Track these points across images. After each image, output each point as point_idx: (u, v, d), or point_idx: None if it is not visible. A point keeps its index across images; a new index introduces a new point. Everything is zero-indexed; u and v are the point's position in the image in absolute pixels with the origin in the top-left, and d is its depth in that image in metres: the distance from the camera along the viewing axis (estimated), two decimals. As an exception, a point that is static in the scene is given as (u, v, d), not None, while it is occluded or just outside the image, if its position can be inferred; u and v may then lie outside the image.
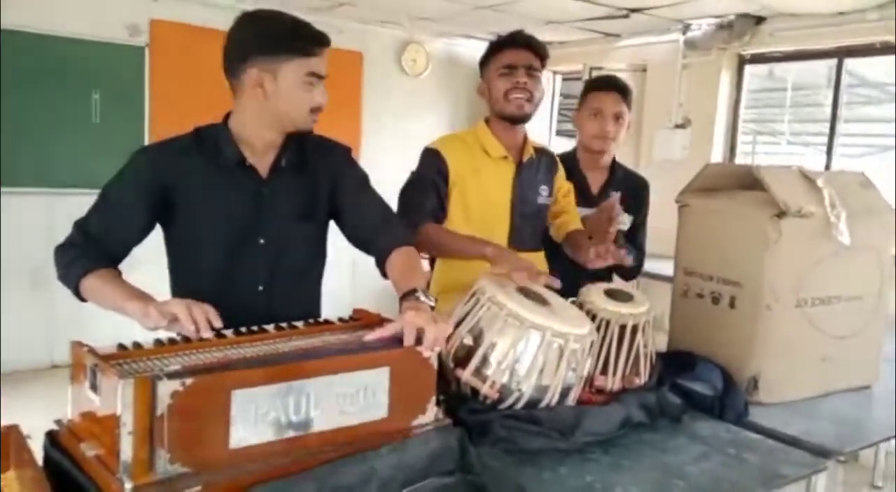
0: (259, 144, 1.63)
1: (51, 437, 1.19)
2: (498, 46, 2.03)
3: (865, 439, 1.74)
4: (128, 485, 0.98)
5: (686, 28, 4.70)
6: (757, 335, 1.82)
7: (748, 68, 4.73)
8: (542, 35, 5.17)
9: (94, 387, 1.08)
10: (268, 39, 1.53)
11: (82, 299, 1.50)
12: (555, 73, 6.03)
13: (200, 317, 1.27)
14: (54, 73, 4.27)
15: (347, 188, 1.72)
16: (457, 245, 1.93)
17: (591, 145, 2.39)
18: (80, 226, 1.56)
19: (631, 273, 2.47)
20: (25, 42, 4.16)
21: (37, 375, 4.27)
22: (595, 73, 5.32)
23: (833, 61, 4.34)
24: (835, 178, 1.94)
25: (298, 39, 1.54)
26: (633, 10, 4.38)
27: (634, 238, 2.46)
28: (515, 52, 2.00)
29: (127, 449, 0.99)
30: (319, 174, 1.70)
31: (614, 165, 2.48)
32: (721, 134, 4.77)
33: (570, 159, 2.48)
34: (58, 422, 1.20)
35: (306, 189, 1.69)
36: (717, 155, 4.74)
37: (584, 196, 2.39)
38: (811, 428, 1.68)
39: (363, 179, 1.76)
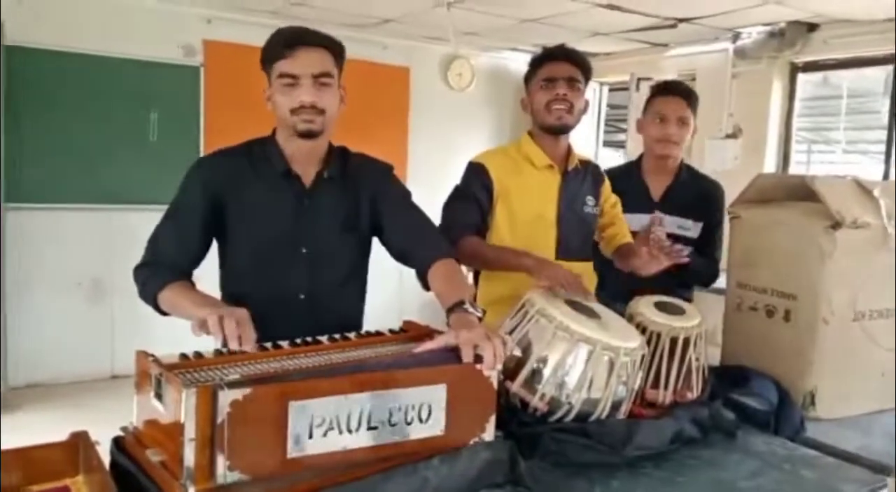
0: (297, 155, 1.69)
1: (117, 443, 1.24)
2: (539, 60, 2.06)
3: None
4: (191, 490, 1.02)
5: (736, 36, 4.64)
6: (813, 349, 1.79)
7: (801, 76, 4.63)
8: (588, 47, 5.21)
9: (158, 395, 1.13)
10: (262, 57, 1.64)
11: (163, 313, 1.58)
12: (601, 84, 6.01)
13: (230, 329, 1.27)
14: (114, 94, 4.44)
15: (389, 204, 1.76)
16: (497, 257, 1.95)
17: (655, 149, 2.40)
18: (150, 245, 1.65)
19: (706, 279, 2.44)
20: (87, 64, 4.33)
21: (98, 385, 4.41)
22: (643, 84, 5.29)
23: (889, 68, 4.23)
24: (891, 188, 1.89)
25: (271, 46, 1.62)
26: (681, 20, 4.35)
27: (706, 244, 2.42)
28: (556, 64, 2.02)
29: (189, 456, 1.03)
30: (361, 190, 1.75)
31: (680, 170, 2.46)
32: (773, 143, 4.67)
33: (633, 167, 2.50)
34: (123, 429, 1.25)
35: (348, 202, 1.73)
36: (769, 165, 4.65)
37: (644, 202, 2.39)
38: (870, 444, 1.64)
39: (404, 195, 1.80)
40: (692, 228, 2.42)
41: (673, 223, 2.40)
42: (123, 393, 1.35)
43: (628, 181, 2.42)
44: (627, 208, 2.34)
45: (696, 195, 2.43)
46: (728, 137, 4.77)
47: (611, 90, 6.12)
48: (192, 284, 1.60)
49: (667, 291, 1.92)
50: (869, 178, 1.93)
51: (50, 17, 4.24)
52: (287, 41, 1.59)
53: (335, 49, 1.65)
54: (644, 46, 5.17)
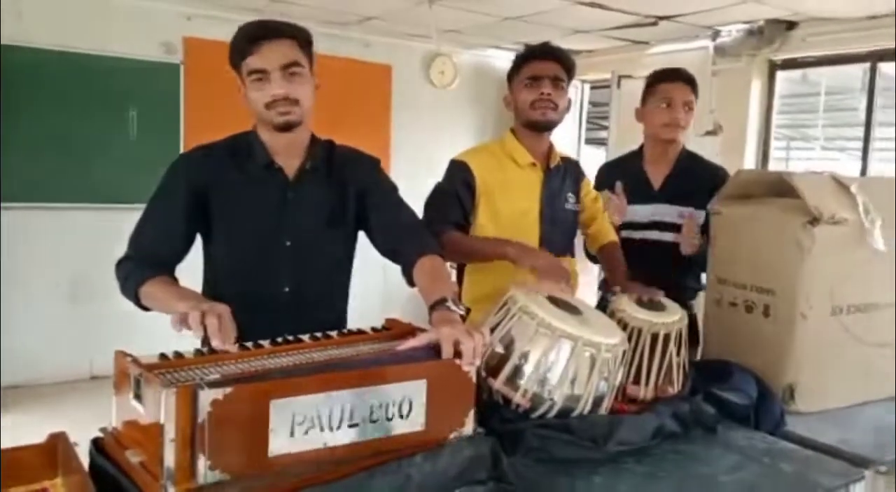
0: (279, 148, 1.68)
1: (96, 444, 1.23)
2: (523, 58, 2.07)
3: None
4: (171, 491, 1.01)
5: (716, 34, 4.68)
6: (792, 344, 1.80)
7: (780, 74, 4.68)
8: (569, 44, 5.23)
9: (137, 396, 1.11)
10: (230, 56, 1.63)
11: (145, 309, 1.56)
12: (583, 81, 6.03)
13: (212, 326, 1.25)
14: (93, 92, 4.39)
15: (375, 198, 1.75)
16: (479, 248, 1.97)
17: (661, 134, 2.37)
18: (132, 240, 1.63)
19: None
20: (66, 61, 4.29)
21: (77, 386, 4.37)
22: (624, 81, 5.32)
23: (867, 65, 4.28)
24: (868, 184, 1.91)
25: (236, 44, 1.61)
26: (662, 18, 4.38)
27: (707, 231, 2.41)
28: (540, 63, 2.02)
29: (170, 456, 1.02)
30: (347, 182, 1.74)
31: (681, 157, 2.45)
32: (753, 140, 4.72)
33: (633, 157, 2.48)
34: (102, 430, 1.24)
35: (333, 196, 1.73)
36: (749, 161, 4.69)
37: (645, 192, 2.38)
38: (849, 437, 1.66)
39: (391, 189, 1.80)
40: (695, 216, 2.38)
41: (673, 212, 2.39)
42: (103, 394, 1.34)
43: (628, 172, 2.42)
44: (629, 200, 2.34)
45: (697, 182, 2.37)
46: (708, 133, 4.81)
47: (592, 88, 6.15)
48: (175, 279, 1.58)
49: (671, 285, 1.95)
50: (847, 174, 1.95)
51: (29, 15, 4.18)
52: (250, 36, 1.59)
53: (300, 37, 1.63)
54: (625, 44, 5.20)
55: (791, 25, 4.34)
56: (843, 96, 5.02)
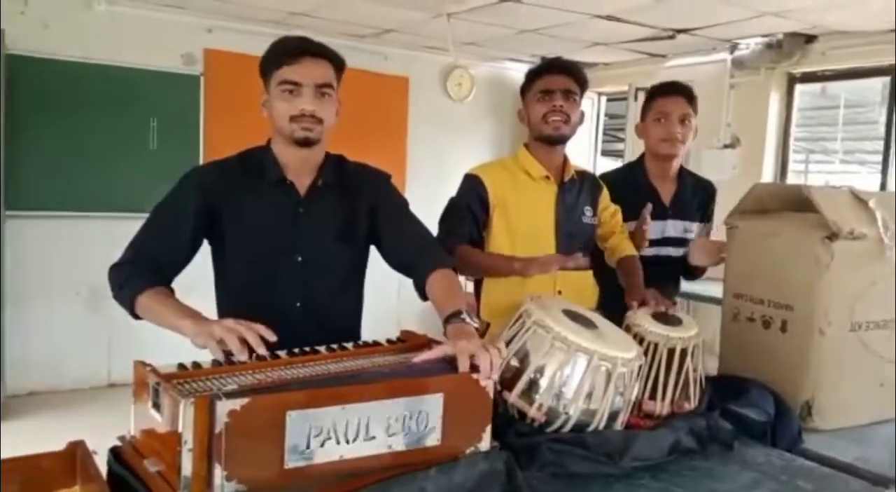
0: (293, 163, 1.69)
1: (114, 452, 1.24)
2: (536, 72, 2.08)
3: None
4: (188, 500, 1.02)
5: (734, 47, 4.66)
6: (810, 360, 1.79)
7: (799, 87, 4.66)
8: (586, 57, 5.24)
9: (156, 405, 1.13)
10: (263, 63, 1.65)
11: (136, 317, 1.54)
12: (599, 94, 6.03)
13: (251, 337, 1.28)
14: (115, 102, 4.45)
15: (387, 214, 1.76)
16: (489, 264, 2.01)
17: (659, 149, 2.38)
18: (133, 245, 1.62)
19: (695, 274, 2.46)
20: (89, 72, 4.35)
21: (95, 393, 4.41)
22: (641, 94, 5.31)
23: (886, 78, 4.25)
24: (887, 198, 1.89)
25: (274, 54, 1.63)
26: (680, 31, 4.37)
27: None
28: (553, 77, 2.04)
29: (187, 465, 1.03)
30: (359, 198, 1.75)
31: (682, 173, 2.47)
32: (771, 153, 4.69)
33: (635, 172, 2.48)
34: (121, 438, 1.25)
35: (345, 211, 1.74)
36: (767, 175, 4.66)
37: (657, 209, 2.37)
38: (868, 455, 1.64)
39: (402, 204, 1.81)
40: (695, 230, 2.44)
41: (680, 227, 2.41)
42: (120, 401, 1.35)
43: (635, 188, 2.41)
44: (637, 216, 2.34)
45: (696, 196, 2.45)
46: (726, 146, 4.80)
47: (609, 100, 6.14)
48: (172, 291, 1.56)
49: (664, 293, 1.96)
50: (866, 188, 1.94)
51: (53, 27, 4.26)
52: (292, 49, 1.61)
53: (337, 62, 1.67)
54: (642, 57, 5.20)
55: (810, 39, 4.32)
56: (862, 109, 4.99)
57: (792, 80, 4.62)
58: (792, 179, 4.87)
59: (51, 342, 4.40)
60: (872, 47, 4.04)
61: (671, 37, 4.49)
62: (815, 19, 3.95)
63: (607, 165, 6.54)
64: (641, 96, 5.28)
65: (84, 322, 4.51)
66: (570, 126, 2.05)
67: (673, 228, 2.42)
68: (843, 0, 3.48)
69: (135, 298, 1.51)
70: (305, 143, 1.64)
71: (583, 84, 2.06)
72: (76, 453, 1.24)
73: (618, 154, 6.49)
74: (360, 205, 1.75)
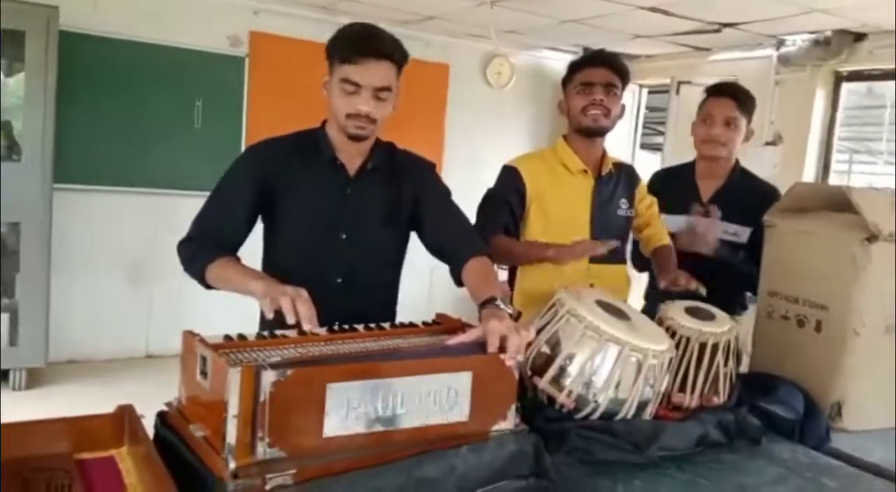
0: (344, 147, 1.75)
1: (161, 417, 1.30)
2: (578, 65, 2.10)
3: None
4: (231, 464, 1.07)
5: (780, 43, 4.59)
6: (843, 361, 1.79)
7: (846, 85, 4.57)
8: (628, 48, 5.20)
9: (203, 373, 1.18)
10: (329, 48, 1.67)
11: (207, 287, 1.64)
12: (641, 86, 5.98)
13: (304, 312, 1.34)
14: (162, 81, 4.55)
15: (429, 201, 1.81)
16: (523, 252, 2.04)
17: (701, 150, 2.42)
18: (198, 221, 1.71)
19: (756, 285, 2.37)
20: (137, 50, 4.45)
21: (134, 363, 4.55)
22: (683, 87, 5.25)
23: (936, 80, 4.16)
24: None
25: (341, 47, 1.64)
26: (726, 25, 4.32)
27: (758, 249, 2.38)
28: (593, 70, 2.05)
29: (232, 432, 1.08)
30: (404, 185, 1.80)
31: (734, 173, 2.45)
32: (814, 152, 4.62)
33: (686, 168, 2.51)
34: (168, 404, 1.31)
35: (390, 195, 1.79)
36: (808, 173, 4.59)
37: (691, 204, 2.41)
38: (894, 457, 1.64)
39: (445, 193, 1.85)
40: (740, 234, 2.39)
41: (720, 228, 2.39)
42: (158, 372, 1.41)
43: (679, 182, 2.45)
44: (675, 210, 2.35)
45: (748, 200, 2.34)
46: (768, 144, 4.73)
47: (650, 93, 6.09)
48: (238, 259, 1.65)
49: (720, 298, 1.95)
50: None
51: (103, 4, 4.35)
52: (358, 48, 1.62)
53: (400, 59, 1.67)
54: (686, 50, 5.14)
55: (859, 37, 4.23)
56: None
57: (839, 79, 4.53)
58: (834, 179, 4.79)
59: (92, 313, 4.54)
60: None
61: (717, 30, 4.43)
62: (863, 17, 3.87)
63: (646, 157, 6.49)
64: (683, 90, 5.26)
65: (125, 294, 4.64)
66: (610, 119, 2.06)
67: (722, 230, 2.40)
68: (894, -2, 3.41)
69: (204, 268, 1.61)
70: (357, 139, 1.70)
71: (624, 77, 2.07)
72: (124, 416, 1.30)
73: (657, 147, 6.43)
74: (404, 191, 1.80)
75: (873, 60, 4.28)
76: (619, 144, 5.89)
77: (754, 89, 4.74)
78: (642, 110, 6.16)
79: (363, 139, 1.71)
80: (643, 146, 6.53)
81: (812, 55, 4.39)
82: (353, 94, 1.63)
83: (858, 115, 5.14)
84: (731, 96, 2.37)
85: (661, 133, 6.13)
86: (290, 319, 1.33)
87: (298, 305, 1.34)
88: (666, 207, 2.32)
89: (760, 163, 4.69)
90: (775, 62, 4.65)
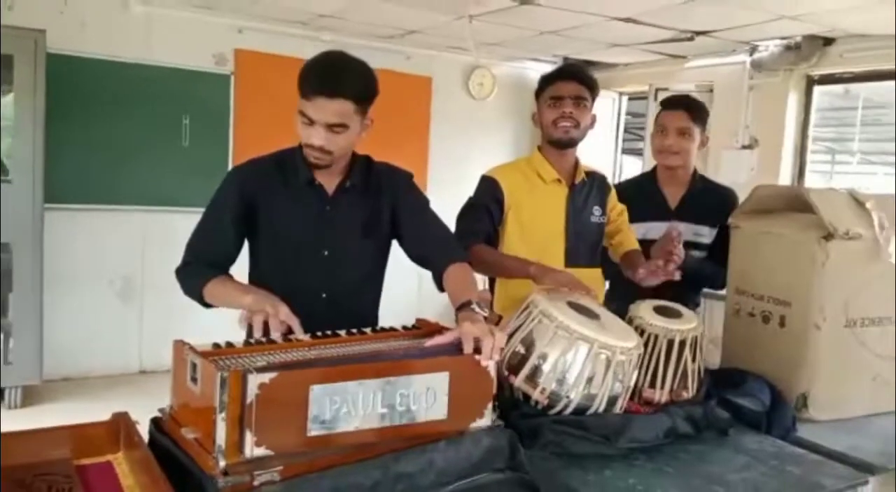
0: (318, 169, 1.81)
1: (155, 423, 1.38)
2: (548, 79, 2.18)
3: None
4: (222, 463, 1.15)
5: (753, 49, 4.71)
6: (806, 354, 1.88)
7: (823, 87, 4.69)
8: (606, 57, 5.32)
9: (193, 379, 1.26)
10: (299, 75, 1.70)
11: (207, 306, 1.74)
12: (621, 93, 6.10)
13: (274, 326, 1.45)
14: (149, 100, 4.62)
15: (408, 211, 1.88)
16: (504, 264, 2.09)
17: (658, 160, 2.54)
18: (190, 246, 1.81)
19: (721, 282, 2.40)
20: (124, 70, 4.53)
21: (127, 379, 4.59)
22: (661, 94, 5.37)
23: (905, 81, 4.27)
24: (886, 201, 1.97)
25: (301, 80, 1.68)
26: (698, 33, 4.43)
27: (720, 249, 2.42)
28: (563, 83, 2.14)
29: (221, 432, 1.15)
30: (382, 197, 1.87)
31: (694, 179, 2.57)
32: (789, 155, 4.73)
33: (648, 178, 2.62)
34: (161, 410, 1.39)
35: (368, 209, 1.86)
36: (785, 176, 4.70)
37: (662, 211, 2.51)
38: (859, 444, 1.72)
39: (423, 202, 1.92)
40: (707, 235, 2.52)
41: (688, 230, 2.50)
42: (151, 387, 1.47)
43: (645, 191, 2.55)
44: (646, 217, 2.45)
45: (710, 203, 2.51)
46: (744, 147, 4.84)
47: (630, 99, 6.20)
48: (231, 277, 1.75)
49: (677, 296, 2.05)
50: (885, 189, 2.01)
51: (90, 27, 4.43)
52: (311, 85, 1.65)
53: (359, 95, 1.69)
54: (662, 57, 5.26)
55: (828, 41, 4.35)
56: (884, 111, 5.00)
57: (810, 82, 4.65)
58: (815, 180, 4.90)
59: (85, 330, 4.59)
60: (890, 50, 4.07)
61: (690, 39, 4.54)
62: (832, 22, 3.99)
63: (630, 162, 6.60)
64: (661, 96, 5.37)
65: (118, 311, 4.69)
66: (580, 130, 2.15)
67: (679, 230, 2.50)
68: (858, 4, 3.53)
69: (201, 290, 1.70)
70: (316, 167, 1.77)
71: (593, 89, 2.16)
72: (120, 423, 1.38)
73: (639, 152, 6.55)
74: (383, 202, 1.87)
75: (844, 64, 4.40)
76: (603, 150, 6.00)
77: (729, 94, 4.92)
78: (623, 116, 6.27)
79: (322, 167, 1.76)
80: (626, 151, 6.64)
81: (784, 60, 4.51)
82: (308, 125, 1.69)
83: (838, 115, 5.26)
84: (684, 108, 2.48)
85: (643, 138, 6.24)
86: (273, 333, 1.43)
87: (271, 322, 1.45)
88: (635, 217, 2.42)
89: (737, 166, 4.82)
90: (749, 68, 4.77)
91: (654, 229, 2.41)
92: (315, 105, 1.66)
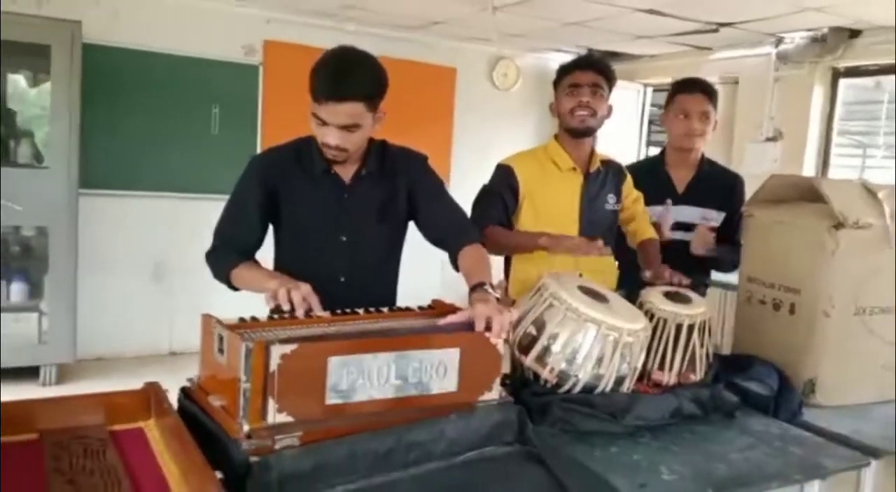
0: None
1: (184, 391, 1.47)
2: (566, 68, 2.24)
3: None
4: (245, 427, 1.23)
5: (779, 41, 4.68)
6: (814, 340, 1.91)
7: (852, 80, 4.65)
8: (631, 49, 5.33)
9: (220, 350, 1.34)
10: (309, 79, 1.74)
11: (235, 289, 1.84)
12: (645, 85, 6.09)
13: (297, 300, 1.53)
14: (181, 89, 4.75)
15: (424, 193, 1.94)
16: (517, 241, 2.17)
17: (681, 144, 2.57)
18: (217, 232, 1.89)
19: (731, 265, 2.53)
20: (157, 61, 4.65)
21: (158, 360, 4.74)
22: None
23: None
24: (898, 191, 2.00)
25: (312, 82, 1.72)
26: (723, 25, 4.42)
27: (730, 232, 2.54)
28: (581, 72, 2.19)
29: (246, 399, 1.24)
30: (398, 181, 1.93)
31: (702, 163, 2.62)
32: (813, 147, 4.71)
33: (656, 161, 2.68)
34: (190, 380, 1.48)
35: (385, 194, 1.92)
36: (808, 168, 4.68)
37: (669, 194, 2.57)
38: (863, 429, 1.76)
39: (438, 184, 1.99)
40: (716, 218, 2.57)
41: (696, 214, 2.56)
42: (181, 368, 1.55)
43: (653, 175, 2.59)
44: (653, 201, 2.50)
45: (718, 187, 2.59)
46: (768, 140, 4.83)
47: (655, 91, 6.19)
48: (258, 262, 1.84)
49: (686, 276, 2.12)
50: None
51: (124, 18, 4.56)
52: (322, 90, 1.69)
53: (369, 93, 1.71)
54: (687, 49, 5.25)
55: (854, 33, 4.32)
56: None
57: (836, 75, 4.62)
58: (844, 174, 4.86)
59: (118, 312, 4.74)
60: (918, 42, 4.04)
61: (714, 30, 4.54)
62: (858, 14, 3.96)
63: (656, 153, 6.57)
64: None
65: (149, 294, 4.84)
66: (597, 119, 2.19)
67: (687, 213, 2.56)
68: (885, -5, 3.51)
69: (229, 274, 1.81)
70: (333, 163, 1.84)
71: (610, 79, 2.21)
72: (151, 392, 1.46)
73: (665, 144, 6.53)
74: (399, 186, 1.93)
75: (870, 56, 4.36)
76: (628, 140, 6.01)
77: (754, 86, 4.90)
78: (647, 108, 6.26)
79: (339, 163, 1.83)
80: (652, 143, 6.63)
81: (809, 52, 4.49)
82: (322, 126, 1.74)
83: (870, 109, 5.19)
84: (703, 91, 2.53)
85: (667, 130, 6.22)
86: (297, 311, 1.51)
87: (294, 299, 1.52)
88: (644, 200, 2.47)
89: (761, 158, 4.81)
90: (774, 60, 4.75)
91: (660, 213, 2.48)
92: (326, 109, 1.69)
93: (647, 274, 2.15)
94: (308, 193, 1.88)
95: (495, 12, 4.33)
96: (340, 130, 1.72)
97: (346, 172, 1.90)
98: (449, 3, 4.35)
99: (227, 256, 1.83)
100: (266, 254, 1.93)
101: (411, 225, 2.00)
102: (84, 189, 4.27)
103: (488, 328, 1.45)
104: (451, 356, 1.39)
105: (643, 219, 2.40)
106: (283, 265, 1.95)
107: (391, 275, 2.03)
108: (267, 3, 4.76)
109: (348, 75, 1.69)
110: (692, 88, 2.54)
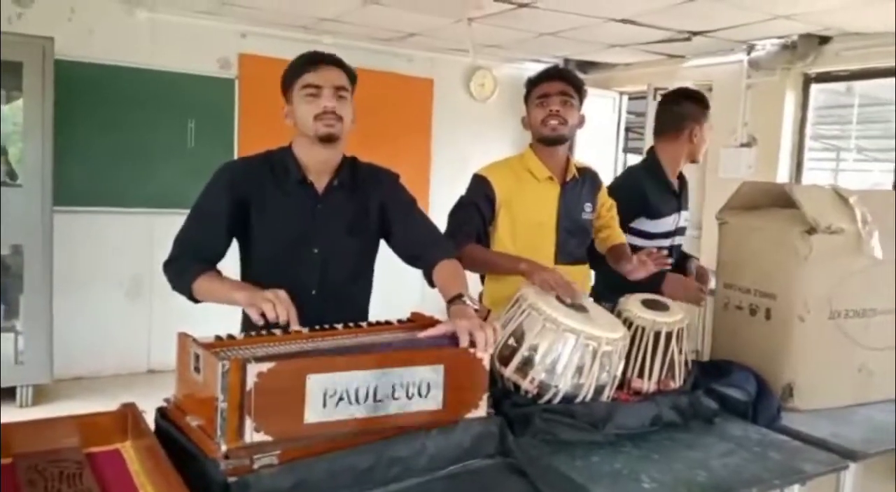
0: (313, 164, 1.87)
1: (161, 411, 1.44)
2: (535, 81, 2.25)
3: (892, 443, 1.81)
4: (223, 447, 1.22)
5: (750, 49, 4.76)
6: (791, 345, 1.93)
7: (823, 85, 4.73)
8: (606, 57, 5.38)
9: (196, 369, 1.32)
10: (284, 76, 1.86)
11: (196, 301, 1.78)
12: (621, 93, 6.15)
13: (283, 314, 1.51)
14: (155, 104, 4.71)
15: (395, 210, 1.94)
16: (495, 262, 2.15)
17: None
18: (179, 241, 1.84)
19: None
20: (131, 76, 4.61)
21: (136, 378, 4.67)
22: (660, 93, 5.42)
23: (901, 78, 4.31)
24: (869, 196, 2.03)
25: (297, 66, 1.83)
26: (695, 33, 4.48)
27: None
28: (549, 83, 2.21)
29: (223, 419, 1.22)
30: (369, 197, 1.93)
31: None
32: (787, 152, 4.78)
33: (657, 168, 2.62)
34: (166, 400, 1.46)
35: (356, 208, 1.91)
36: (782, 174, 4.75)
37: (674, 203, 2.61)
38: (841, 432, 1.78)
39: (410, 201, 1.98)
40: (689, 218, 2.66)
41: (683, 217, 2.62)
42: (159, 386, 1.52)
43: (659, 187, 2.57)
44: (664, 212, 2.52)
45: (685, 189, 2.66)
46: (742, 146, 4.89)
47: (630, 99, 6.25)
48: (220, 273, 1.79)
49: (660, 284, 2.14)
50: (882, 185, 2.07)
51: (97, 33, 4.52)
52: (310, 59, 1.82)
53: (349, 72, 1.86)
54: (661, 58, 5.31)
55: (824, 40, 4.40)
56: (881, 108, 5.03)
57: (807, 81, 4.70)
58: (818, 177, 4.94)
59: (95, 330, 4.67)
60: (886, 48, 4.11)
61: (687, 39, 4.60)
62: (827, 21, 4.04)
63: (633, 160, 6.64)
64: (660, 96, 5.42)
65: (126, 312, 4.78)
66: (568, 128, 2.21)
67: (684, 218, 2.63)
68: (851, 3, 3.57)
69: (190, 285, 1.74)
70: (329, 138, 1.81)
71: (579, 89, 2.22)
72: (128, 413, 1.44)
73: (641, 151, 6.60)
74: (371, 202, 1.93)
75: (840, 62, 4.45)
76: (605, 148, 6.05)
77: (727, 93, 4.96)
78: (623, 116, 6.31)
79: (334, 139, 1.82)
80: (628, 150, 6.69)
81: (780, 59, 4.56)
82: (315, 95, 1.78)
83: (843, 113, 5.29)
84: (561, 78, 2.30)
85: (643, 137, 6.29)
86: (282, 318, 1.50)
87: (279, 308, 1.50)
88: (664, 211, 2.52)
89: (736, 164, 4.87)
90: (746, 67, 4.83)
91: (670, 222, 2.54)
92: (319, 73, 1.79)
93: (628, 267, 2.14)
94: (281, 203, 1.85)
95: (471, 23, 4.36)
96: (334, 95, 1.79)
97: (320, 183, 1.89)
98: (424, 15, 4.37)
99: (190, 265, 1.76)
100: (226, 267, 1.88)
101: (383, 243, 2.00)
102: (59, 206, 4.20)
103: (472, 344, 1.44)
104: (435, 373, 1.37)
105: (615, 227, 2.41)
106: (253, 278, 1.90)
107: (364, 289, 2.01)
108: (242, 16, 4.74)
109: (326, 54, 1.85)
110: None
